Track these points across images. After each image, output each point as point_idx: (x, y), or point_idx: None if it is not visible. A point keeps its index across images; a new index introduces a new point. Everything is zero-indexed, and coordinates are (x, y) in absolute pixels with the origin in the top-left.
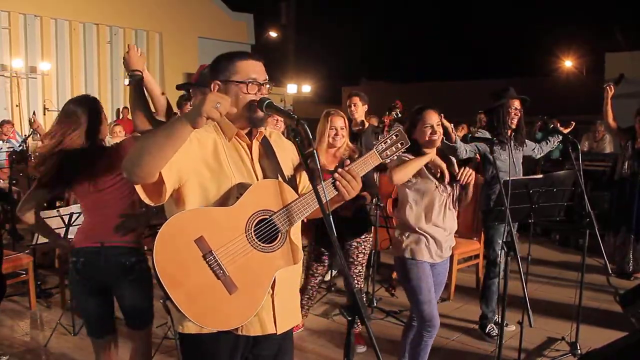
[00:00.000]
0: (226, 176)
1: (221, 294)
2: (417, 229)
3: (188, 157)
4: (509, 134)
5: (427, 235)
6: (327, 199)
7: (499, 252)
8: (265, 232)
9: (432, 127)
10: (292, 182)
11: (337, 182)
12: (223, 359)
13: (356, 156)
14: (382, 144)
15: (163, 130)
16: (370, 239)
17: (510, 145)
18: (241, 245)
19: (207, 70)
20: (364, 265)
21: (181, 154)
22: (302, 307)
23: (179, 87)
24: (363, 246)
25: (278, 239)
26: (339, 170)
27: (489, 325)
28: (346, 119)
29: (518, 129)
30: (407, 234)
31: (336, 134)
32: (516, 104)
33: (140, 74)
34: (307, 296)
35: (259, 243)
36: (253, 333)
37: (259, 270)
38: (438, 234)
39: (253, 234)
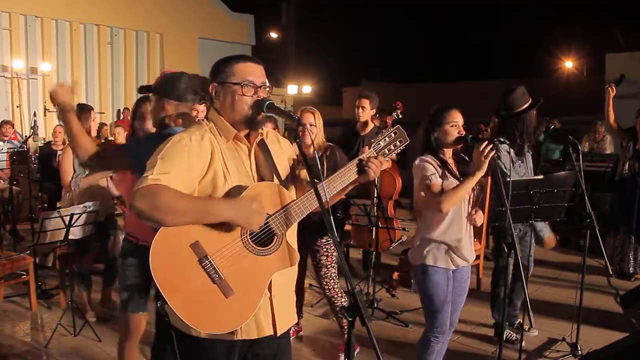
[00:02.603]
0: (225, 180)
1: (217, 298)
2: (442, 241)
3: (194, 173)
4: (525, 140)
5: (451, 244)
6: (327, 199)
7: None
8: (261, 235)
9: (458, 125)
10: (290, 182)
11: (368, 164)
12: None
13: (328, 153)
14: (380, 142)
15: (206, 212)
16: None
17: (525, 150)
18: (237, 249)
19: (161, 79)
20: (329, 267)
21: (188, 174)
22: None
23: (140, 90)
24: (325, 248)
25: (274, 241)
26: (371, 155)
27: (507, 331)
28: (316, 115)
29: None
30: (428, 242)
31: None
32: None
33: (68, 106)
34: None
35: (254, 246)
36: (252, 336)
37: (255, 274)
38: (463, 240)
39: (248, 237)
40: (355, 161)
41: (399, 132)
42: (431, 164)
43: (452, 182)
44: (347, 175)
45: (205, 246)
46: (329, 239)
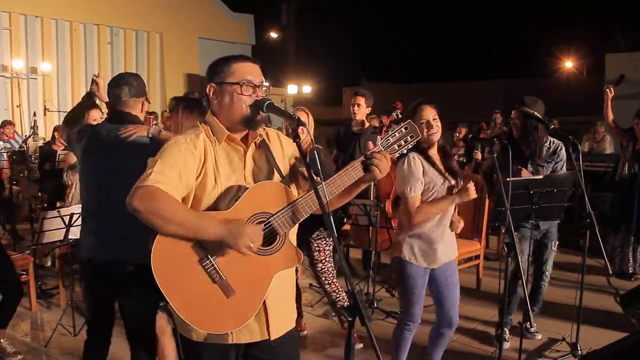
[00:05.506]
0: (215, 183)
1: (218, 298)
2: (423, 238)
3: (190, 173)
4: (524, 148)
5: (432, 242)
6: (328, 199)
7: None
8: (264, 234)
9: (427, 122)
10: (292, 181)
11: (372, 160)
12: None
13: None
14: (390, 137)
15: (197, 228)
16: (326, 236)
17: (528, 162)
18: None
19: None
20: (324, 262)
21: (184, 173)
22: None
23: None
24: (316, 244)
25: (277, 241)
26: (374, 150)
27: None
28: (308, 115)
29: (534, 144)
30: (409, 237)
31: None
32: (512, 114)
33: None
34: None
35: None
36: (243, 340)
37: (257, 273)
38: (445, 238)
39: None
40: (361, 158)
41: (410, 127)
42: (417, 162)
43: (435, 178)
44: (353, 172)
45: (207, 246)
46: (319, 234)
